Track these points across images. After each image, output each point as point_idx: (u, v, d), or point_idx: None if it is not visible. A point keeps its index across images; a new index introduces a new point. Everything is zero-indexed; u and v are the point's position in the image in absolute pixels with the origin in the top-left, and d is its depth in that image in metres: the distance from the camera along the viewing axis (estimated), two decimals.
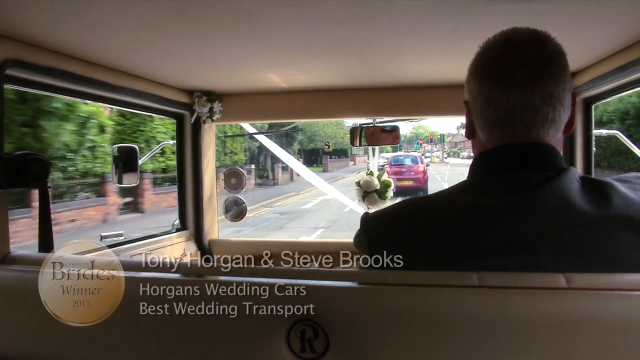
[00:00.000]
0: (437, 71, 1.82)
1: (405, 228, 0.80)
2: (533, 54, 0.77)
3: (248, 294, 0.82)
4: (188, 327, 0.82)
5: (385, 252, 0.81)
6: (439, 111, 2.19)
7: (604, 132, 2.01)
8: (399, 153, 22.42)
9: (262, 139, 3.15)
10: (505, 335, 0.69)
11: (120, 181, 2.08)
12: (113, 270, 0.96)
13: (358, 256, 0.88)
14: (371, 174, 2.67)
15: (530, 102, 0.76)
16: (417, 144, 56.99)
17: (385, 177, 2.67)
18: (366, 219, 0.84)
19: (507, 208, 0.74)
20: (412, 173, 18.92)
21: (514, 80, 0.77)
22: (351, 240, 0.89)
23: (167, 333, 0.83)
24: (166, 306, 0.84)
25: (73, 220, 9.87)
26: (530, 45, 0.78)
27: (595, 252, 0.73)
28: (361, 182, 2.65)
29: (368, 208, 2.66)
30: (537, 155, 0.78)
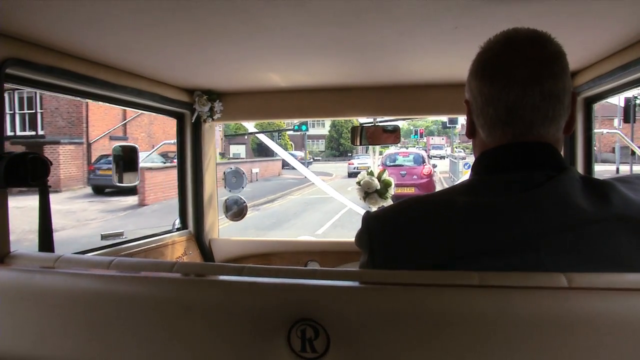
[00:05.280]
0: (437, 70, 1.82)
1: (406, 227, 0.80)
2: (534, 53, 0.77)
3: (248, 293, 0.82)
4: (188, 327, 0.82)
5: (386, 250, 0.81)
6: (439, 110, 2.20)
7: (604, 131, 2.00)
8: (396, 150, 17.27)
9: (263, 137, 3.16)
10: (506, 335, 0.69)
11: (120, 180, 2.08)
12: (113, 270, 0.96)
13: (359, 255, 0.88)
14: (371, 173, 2.67)
15: (530, 100, 0.77)
16: (415, 134, 43.04)
17: (385, 176, 2.68)
18: (367, 217, 0.84)
19: (507, 207, 0.74)
20: (415, 177, 14.38)
21: (515, 78, 0.77)
22: (352, 239, 0.89)
23: (167, 333, 0.83)
24: (166, 306, 0.84)
25: None
26: (531, 44, 0.78)
27: (595, 252, 0.73)
28: (362, 182, 2.65)
29: (370, 208, 2.66)
30: (538, 154, 0.78)
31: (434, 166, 17.30)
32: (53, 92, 1.51)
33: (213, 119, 2.27)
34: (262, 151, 32.35)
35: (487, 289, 0.71)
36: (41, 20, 1.17)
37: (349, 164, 26.78)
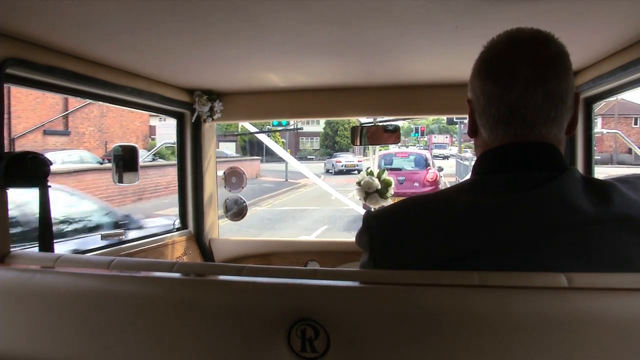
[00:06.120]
0: (437, 70, 1.82)
1: (407, 226, 0.80)
2: (537, 53, 0.77)
3: (248, 293, 0.82)
4: (188, 327, 0.82)
5: (386, 250, 0.81)
6: (439, 110, 2.20)
7: (604, 131, 2.00)
8: (394, 149, 13.69)
9: (262, 137, 3.16)
10: (506, 335, 0.69)
11: (120, 180, 2.08)
12: (113, 270, 0.96)
13: (359, 255, 0.88)
14: (371, 173, 2.67)
15: (533, 100, 0.76)
16: (416, 132, 39.60)
17: (385, 176, 2.68)
18: (368, 217, 0.84)
19: (508, 207, 0.74)
20: (416, 184, 11.38)
21: (517, 78, 0.77)
22: (351, 239, 0.89)
23: (167, 333, 0.83)
24: (166, 306, 0.84)
25: None
26: (534, 44, 0.78)
27: (596, 252, 0.73)
28: (362, 182, 2.65)
29: (367, 207, 2.66)
30: (540, 154, 0.78)
31: (440, 169, 13.24)
32: (53, 92, 1.51)
33: (213, 119, 2.27)
34: (250, 149, 31.90)
35: (487, 289, 0.71)
36: (41, 20, 1.16)
37: (337, 161, 26.54)
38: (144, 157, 2.34)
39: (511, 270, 0.72)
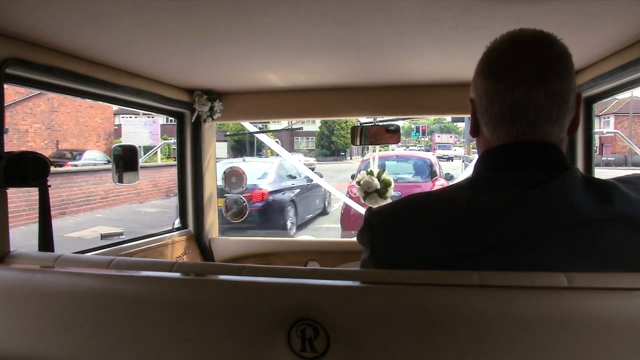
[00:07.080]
0: (437, 70, 1.81)
1: (407, 224, 0.80)
2: (539, 53, 0.78)
3: (248, 293, 0.82)
4: (188, 327, 0.81)
5: (387, 247, 0.81)
6: (439, 110, 2.20)
7: (604, 131, 2.00)
8: (389, 151, 10.66)
9: (262, 137, 3.16)
10: (506, 335, 0.69)
11: (120, 180, 2.08)
12: (113, 269, 0.96)
13: (359, 255, 0.88)
14: (371, 173, 2.67)
15: (535, 99, 0.77)
16: (417, 132, 36.65)
17: (385, 176, 2.68)
18: (369, 214, 0.85)
19: (509, 206, 0.74)
20: None
21: (520, 77, 0.77)
22: (352, 239, 0.89)
23: (167, 333, 0.83)
24: (166, 306, 0.84)
25: None
26: (536, 44, 0.79)
27: (596, 251, 0.73)
28: (362, 182, 2.65)
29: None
30: (541, 153, 0.79)
31: (449, 177, 9.67)
32: (53, 91, 1.51)
33: (213, 119, 2.27)
34: (241, 149, 31.18)
35: (487, 288, 0.71)
36: (41, 20, 1.16)
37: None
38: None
39: (512, 268, 0.72)
